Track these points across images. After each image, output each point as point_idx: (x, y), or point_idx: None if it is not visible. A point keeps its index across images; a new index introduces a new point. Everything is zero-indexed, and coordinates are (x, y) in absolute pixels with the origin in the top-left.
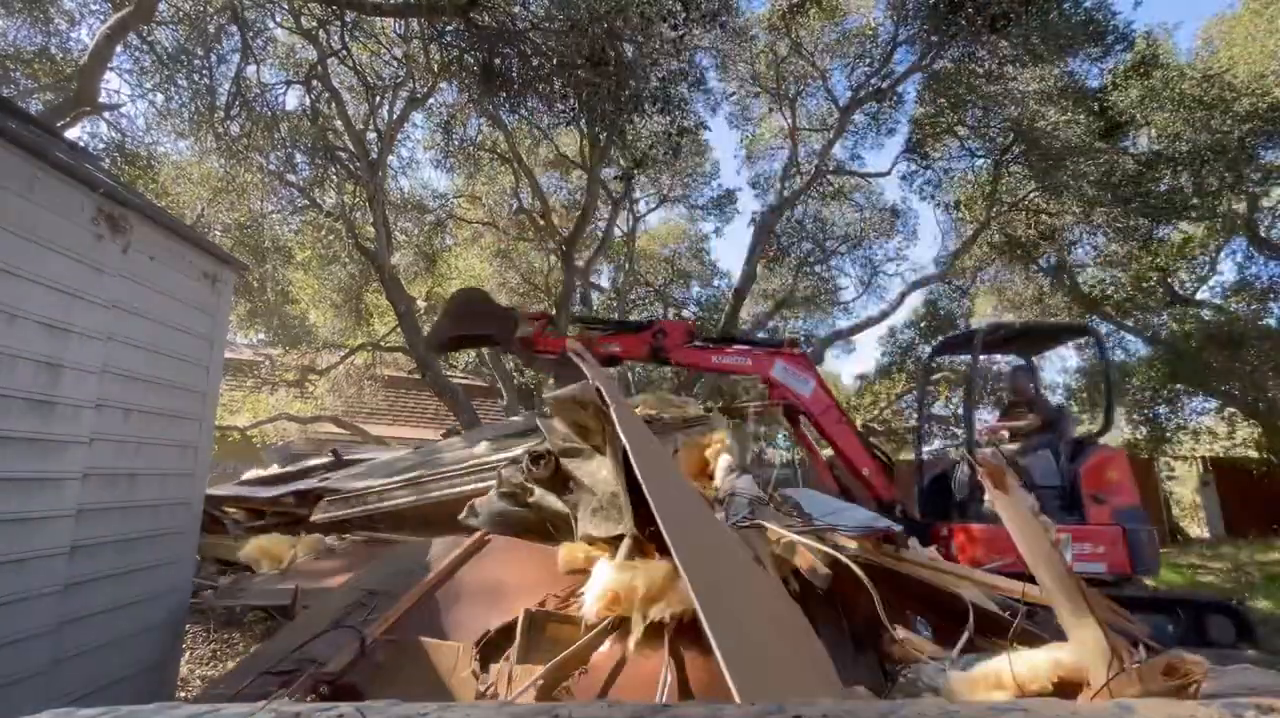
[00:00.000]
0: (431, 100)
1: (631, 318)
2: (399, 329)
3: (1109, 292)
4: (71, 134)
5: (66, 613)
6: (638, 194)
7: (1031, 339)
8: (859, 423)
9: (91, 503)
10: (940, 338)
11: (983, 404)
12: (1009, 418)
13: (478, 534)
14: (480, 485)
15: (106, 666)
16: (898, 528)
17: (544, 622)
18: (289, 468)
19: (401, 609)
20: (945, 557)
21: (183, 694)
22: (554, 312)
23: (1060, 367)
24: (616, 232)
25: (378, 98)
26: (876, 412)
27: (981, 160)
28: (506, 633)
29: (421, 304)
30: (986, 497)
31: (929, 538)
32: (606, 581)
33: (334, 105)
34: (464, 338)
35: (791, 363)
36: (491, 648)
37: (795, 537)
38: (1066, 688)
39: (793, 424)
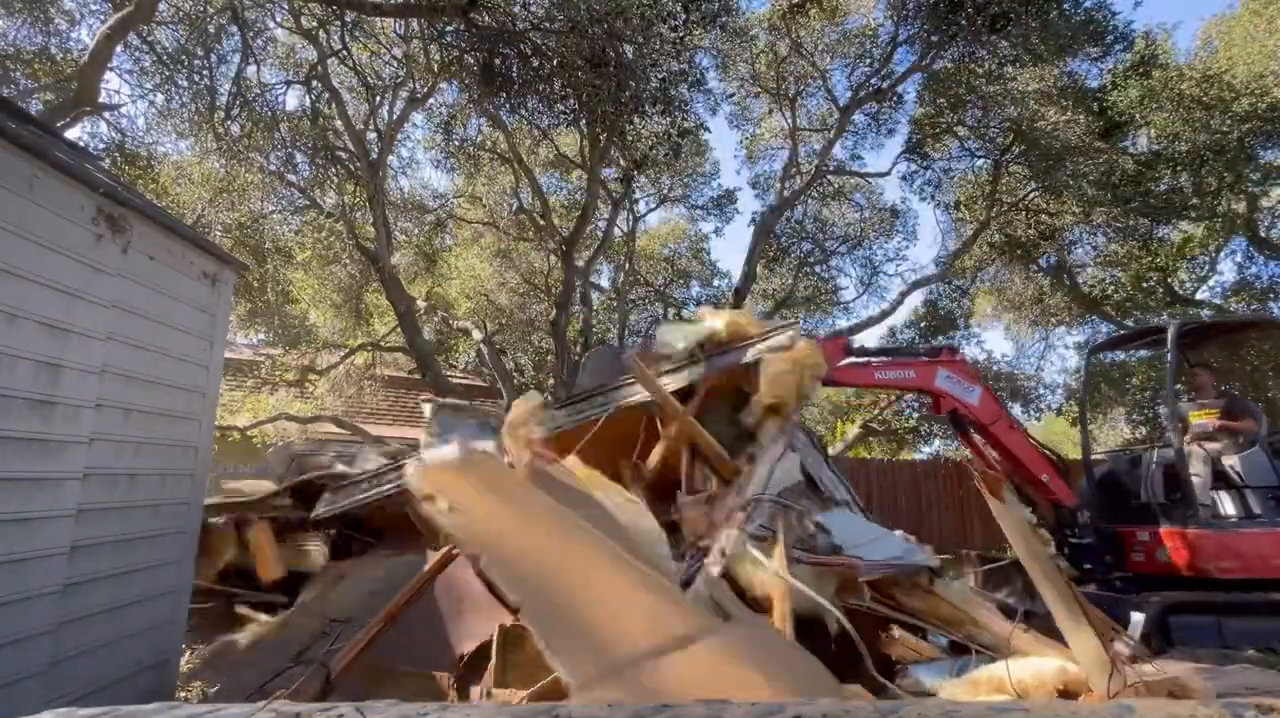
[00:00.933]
0: (431, 100)
1: (631, 316)
2: (399, 329)
3: (1109, 292)
4: (71, 134)
5: (66, 613)
6: (638, 194)
7: (1219, 335)
8: (858, 423)
9: (91, 503)
10: (1113, 333)
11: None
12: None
13: (444, 550)
14: None
15: (106, 666)
16: (935, 563)
17: (520, 638)
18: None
19: (369, 635)
20: (1145, 565)
21: (183, 694)
22: (849, 337)
23: (1060, 366)
24: (616, 232)
25: (378, 98)
26: (877, 411)
27: (981, 160)
28: (482, 651)
29: (421, 304)
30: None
31: (1120, 545)
32: None
33: (334, 105)
34: None
35: (954, 370)
36: (469, 669)
37: (792, 580)
38: (1066, 696)
39: (961, 436)
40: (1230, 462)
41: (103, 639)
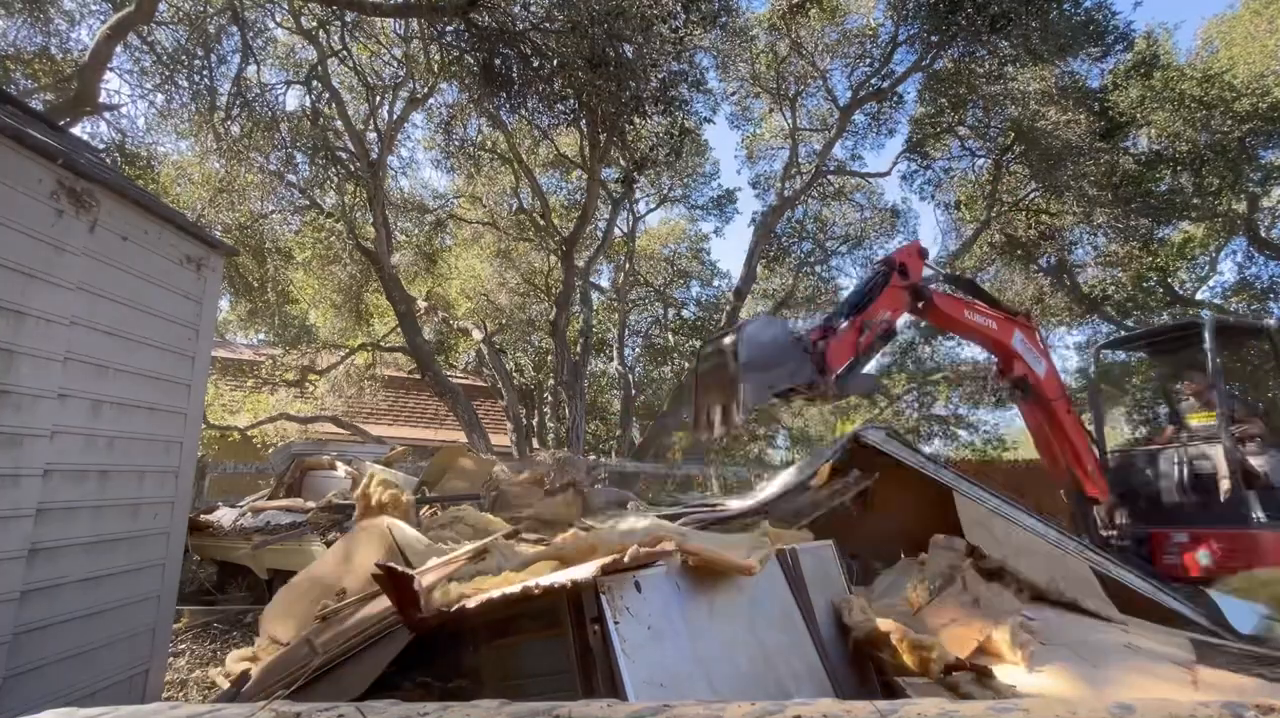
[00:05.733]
0: (431, 100)
1: (631, 316)
2: (399, 329)
3: (1109, 292)
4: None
5: (24, 622)
6: (638, 194)
7: (1248, 337)
8: (859, 423)
9: (55, 502)
10: (1100, 338)
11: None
12: (1180, 419)
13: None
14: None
15: (71, 679)
16: None
17: None
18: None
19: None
20: (1179, 568)
21: (182, 696)
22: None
23: (1060, 366)
24: (616, 232)
25: (378, 98)
26: (877, 411)
27: (981, 160)
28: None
29: (421, 304)
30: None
31: (1148, 546)
32: None
33: (334, 105)
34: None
35: (1028, 336)
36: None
37: None
38: None
39: (1022, 404)
40: (1258, 463)
41: (68, 650)
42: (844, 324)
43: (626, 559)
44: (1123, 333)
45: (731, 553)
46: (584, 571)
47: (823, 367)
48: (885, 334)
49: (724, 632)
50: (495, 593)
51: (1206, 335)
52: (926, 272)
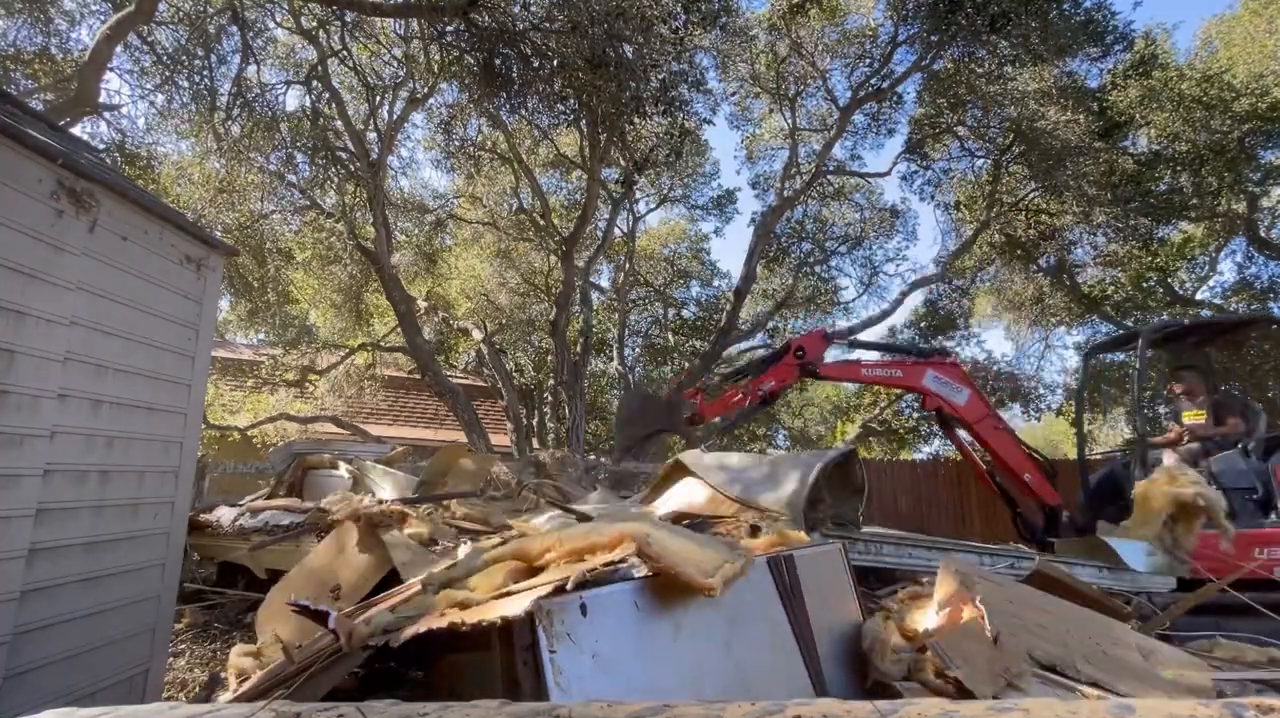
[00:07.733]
0: (431, 100)
1: (631, 316)
2: (399, 329)
3: (1109, 292)
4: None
5: (23, 623)
6: (638, 194)
7: (1204, 336)
8: (859, 423)
9: (54, 502)
10: (1100, 338)
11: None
12: (1178, 418)
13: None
14: None
15: (75, 678)
16: None
17: None
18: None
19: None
20: None
21: (182, 696)
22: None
23: (1060, 366)
24: (616, 232)
25: (378, 98)
26: (876, 411)
27: (981, 160)
28: None
29: (421, 304)
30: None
31: None
32: None
33: (334, 105)
34: (646, 437)
35: (943, 372)
36: None
37: None
38: None
39: (947, 432)
40: (1207, 463)
41: (68, 650)
42: (739, 383)
43: (570, 586)
44: (1120, 333)
45: (700, 557)
46: (518, 603)
47: (695, 418)
48: (766, 398)
49: (690, 658)
50: (421, 627)
51: (1140, 344)
52: (826, 346)
